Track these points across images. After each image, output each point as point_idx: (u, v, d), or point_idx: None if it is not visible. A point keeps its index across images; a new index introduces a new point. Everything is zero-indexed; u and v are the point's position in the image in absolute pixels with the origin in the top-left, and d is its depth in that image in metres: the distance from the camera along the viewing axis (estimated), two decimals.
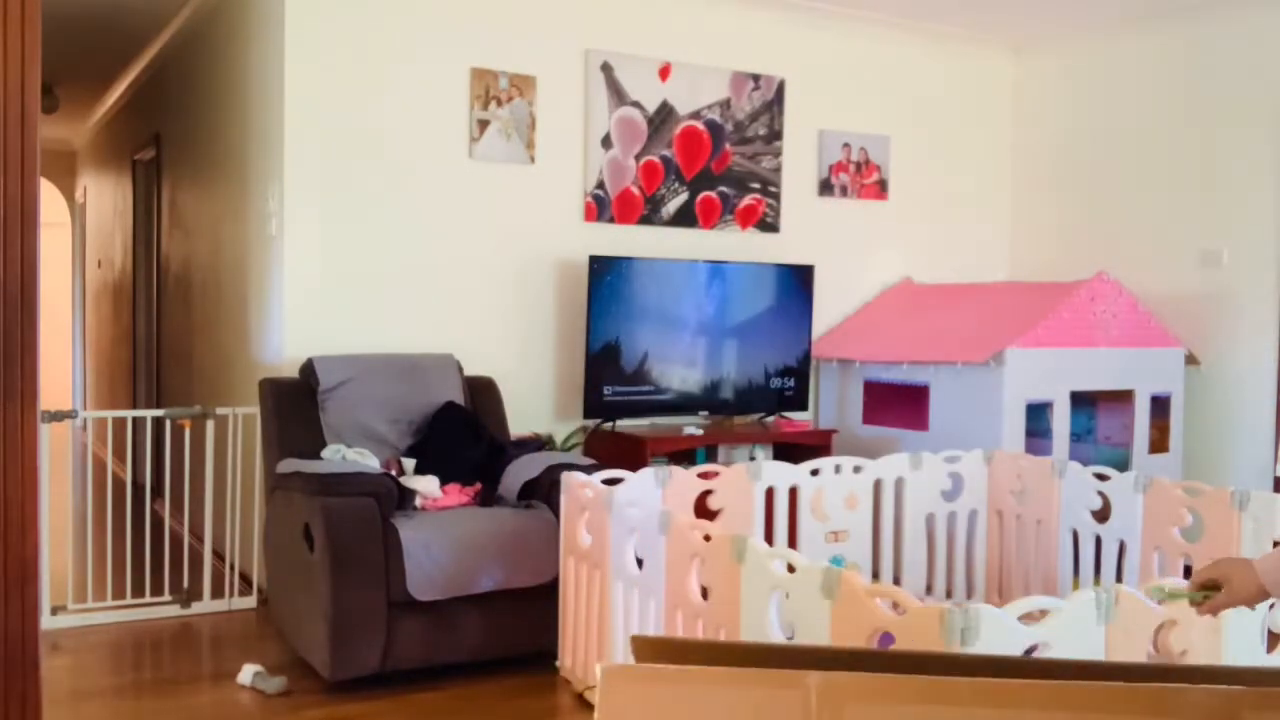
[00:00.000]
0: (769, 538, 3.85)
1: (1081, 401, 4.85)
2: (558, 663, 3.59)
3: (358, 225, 4.38)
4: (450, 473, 3.90)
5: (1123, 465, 4.70)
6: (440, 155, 4.53)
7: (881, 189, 5.62)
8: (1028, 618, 2.20)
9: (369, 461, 3.84)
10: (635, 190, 4.93)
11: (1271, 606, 2.56)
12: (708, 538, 2.81)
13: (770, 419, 5.08)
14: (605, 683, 0.69)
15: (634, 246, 4.88)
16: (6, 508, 2.32)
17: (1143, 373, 4.84)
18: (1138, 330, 4.84)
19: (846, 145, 5.51)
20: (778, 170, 5.30)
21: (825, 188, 5.46)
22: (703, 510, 3.69)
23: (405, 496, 3.69)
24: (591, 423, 4.75)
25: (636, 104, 4.91)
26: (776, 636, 2.54)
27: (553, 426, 4.74)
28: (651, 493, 3.62)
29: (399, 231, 4.44)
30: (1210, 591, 1.66)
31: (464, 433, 4.06)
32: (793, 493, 3.94)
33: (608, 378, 4.63)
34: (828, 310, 5.41)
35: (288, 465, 3.78)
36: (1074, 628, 2.24)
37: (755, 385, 5.00)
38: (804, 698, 0.67)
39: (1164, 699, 0.67)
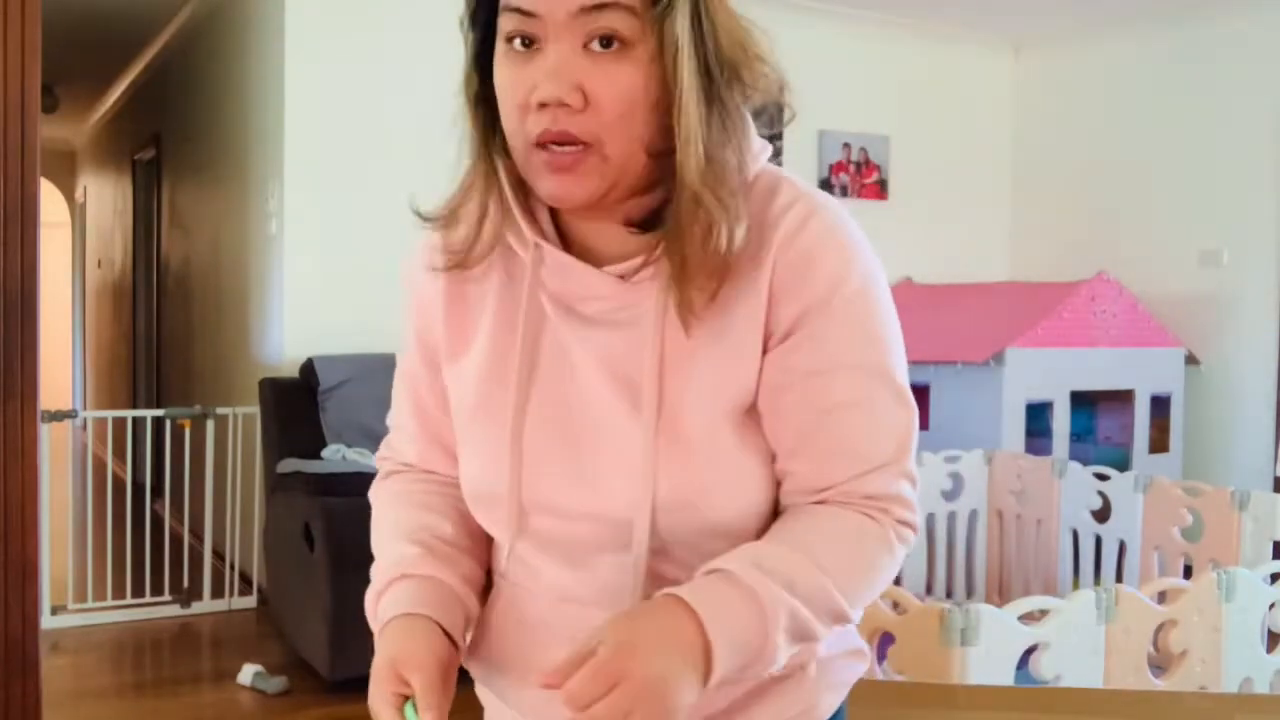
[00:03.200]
0: None
1: (1081, 401, 4.85)
2: None
3: (358, 225, 4.38)
4: None
5: (1123, 465, 4.70)
6: (441, 155, 4.51)
7: (881, 189, 5.63)
8: (1028, 618, 2.21)
9: (369, 461, 3.84)
10: None
11: (1272, 606, 2.56)
12: None
13: None
14: None
15: None
16: (6, 508, 2.32)
17: (1143, 373, 4.84)
18: (1138, 330, 4.84)
19: (846, 145, 5.52)
20: None
21: (825, 188, 5.45)
22: None
23: None
24: None
25: None
26: None
27: None
28: None
29: (399, 231, 4.42)
30: None
31: None
32: None
33: None
34: None
35: (288, 465, 3.78)
36: (1074, 628, 2.24)
37: None
38: None
39: (1160, 704, 0.67)
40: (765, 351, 0.93)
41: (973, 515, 4.31)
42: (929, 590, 4.24)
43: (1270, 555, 3.25)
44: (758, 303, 0.93)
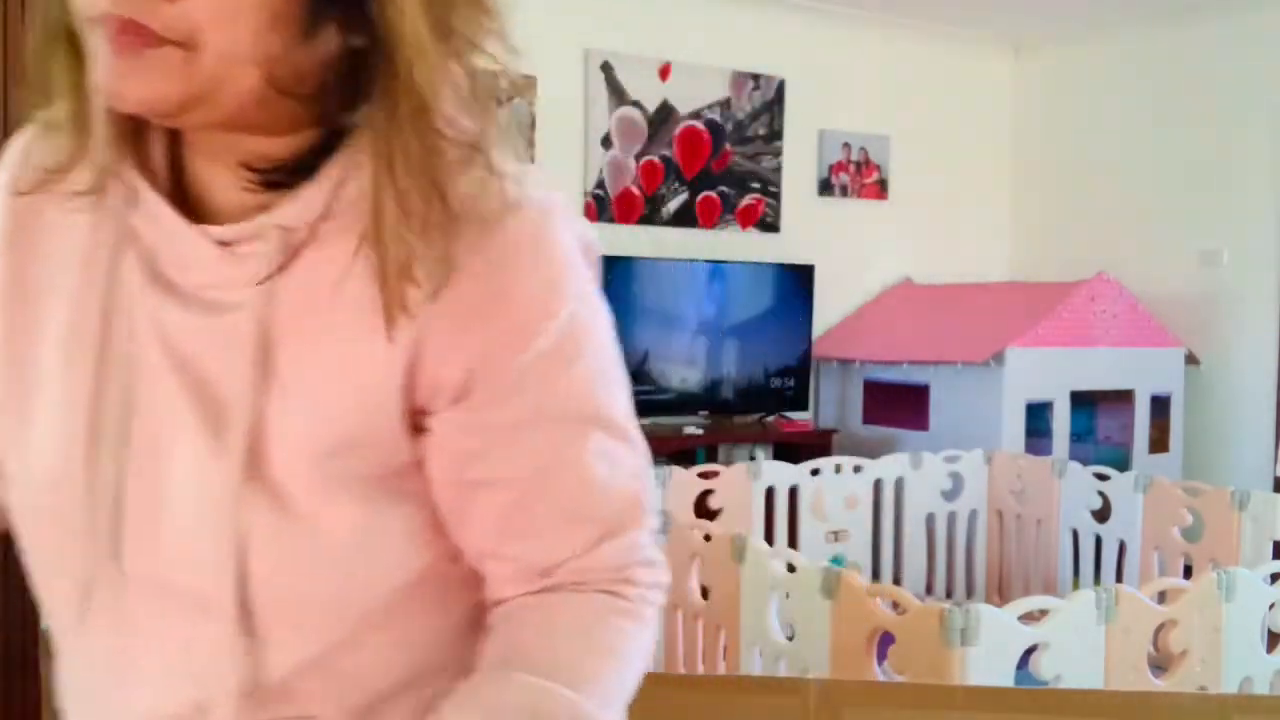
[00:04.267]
0: (769, 538, 3.85)
1: (1081, 401, 4.85)
2: None
3: None
4: None
5: (1123, 465, 4.69)
6: None
7: (881, 189, 5.63)
8: (1028, 618, 2.21)
9: None
10: (635, 190, 4.93)
11: (1272, 606, 2.56)
12: (708, 537, 2.81)
13: (770, 419, 5.08)
14: None
15: (634, 246, 4.88)
16: None
17: (1143, 373, 4.85)
18: (1138, 330, 4.84)
19: (846, 145, 5.52)
20: (778, 170, 5.30)
21: (825, 187, 5.46)
22: (703, 510, 3.69)
23: None
24: None
25: (636, 104, 4.91)
26: (776, 636, 2.54)
27: None
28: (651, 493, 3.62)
29: None
30: None
31: None
32: (793, 493, 3.94)
33: None
34: (828, 310, 5.41)
35: None
36: (1074, 628, 2.24)
37: (755, 385, 5.00)
38: (803, 703, 0.68)
39: (1159, 704, 0.68)
40: (417, 389, 0.70)
41: (973, 515, 4.31)
42: (929, 590, 4.24)
43: (1270, 555, 3.25)
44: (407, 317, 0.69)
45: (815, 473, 3.98)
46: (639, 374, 4.70)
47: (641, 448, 0.78)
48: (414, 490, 0.73)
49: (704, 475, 3.77)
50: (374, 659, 0.74)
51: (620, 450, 0.76)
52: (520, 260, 0.71)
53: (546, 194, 0.74)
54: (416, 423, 0.72)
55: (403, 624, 0.75)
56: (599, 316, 0.77)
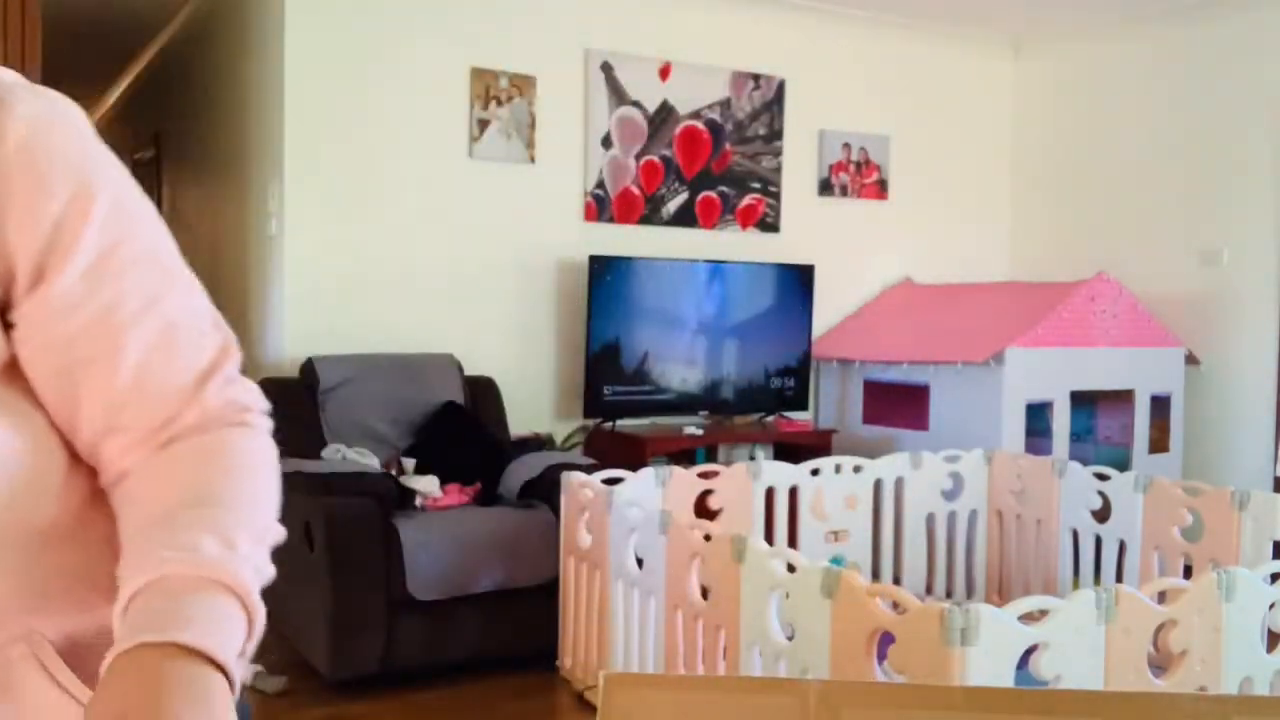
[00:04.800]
0: (769, 537, 3.85)
1: (1081, 401, 4.85)
2: (558, 663, 3.60)
3: (358, 225, 4.38)
4: (450, 472, 3.90)
5: (1123, 465, 4.69)
6: (440, 155, 4.53)
7: (881, 189, 5.63)
8: (1028, 618, 2.21)
9: (369, 461, 3.85)
10: (635, 190, 4.93)
11: (1272, 606, 2.56)
12: (708, 537, 2.81)
13: (770, 419, 5.08)
14: (607, 690, 0.69)
15: (634, 246, 4.88)
16: None
17: (1143, 373, 4.84)
18: (1138, 330, 4.84)
19: (846, 145, 5.51)
20: (778, 170, 5.30)
21: (825, 187, 5.46)
22: (703, 510, 3.69)
23: (405, 496, 3.69)
24: (591, 422, 4.75)
25: (636, 104, 4.91)
26: (776, 636, 2.54)
27: (553, 426, 4.74)
28: (651, 493, 3.62)
29: (399, 231, 4.45)
30: None
31: (464, 432, 4.06)
32: (793, 493, 3.94)
33: (608, 377, 4.63)
34: (828, 310, 5.41)
35: (288, 465, 3.77)
36: (1074, 628, 2.24)
37: (755, 385, 5.00)
38: (802, 703, 0.68)
39: (1156, 705, 0.67)
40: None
41: (973, 515, 4.31)
42: (929, 590, 4.24)
43: (1270, 555, 3.25)
44: None
45: (815, 473, 3.98)
46: (639, 374, 4.70)
47: (201, 286, 0.82)
48: (20, 394, 0.75)
49: (704, 475, 3.77)
50: (69, 587, 0.75)
51: (193, 296, 0.80)
52: (48, 140, 0.71)
53: (20, 77, 0.74)
54: (6, 321, 0.73)
55: (83, 545, 0.77)
56: (125, 172, 0.78)
